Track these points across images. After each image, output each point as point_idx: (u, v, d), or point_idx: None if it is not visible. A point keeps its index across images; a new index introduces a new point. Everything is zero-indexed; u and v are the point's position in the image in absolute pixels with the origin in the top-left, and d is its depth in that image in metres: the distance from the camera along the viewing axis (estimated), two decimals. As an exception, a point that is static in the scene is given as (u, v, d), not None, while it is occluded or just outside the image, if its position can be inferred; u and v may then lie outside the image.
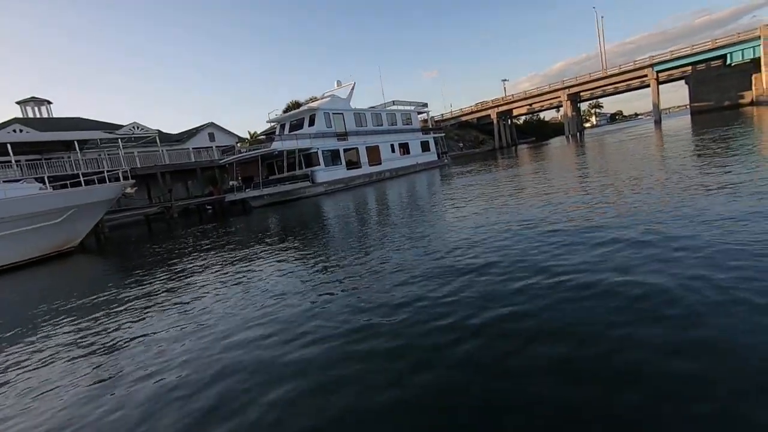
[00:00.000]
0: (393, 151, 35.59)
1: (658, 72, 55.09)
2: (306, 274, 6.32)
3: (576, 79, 61.73)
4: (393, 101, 40.34)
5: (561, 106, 71.17)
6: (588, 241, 5.37)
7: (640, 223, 5.76)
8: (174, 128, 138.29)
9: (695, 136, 20.81)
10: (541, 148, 40.77)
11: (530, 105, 72.70)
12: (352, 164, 31.13)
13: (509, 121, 76.62)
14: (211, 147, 35.48)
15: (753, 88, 52.71)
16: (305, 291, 5.35)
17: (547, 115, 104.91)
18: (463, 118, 74.49)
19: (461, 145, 62.77)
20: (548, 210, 7.97)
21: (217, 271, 7.61)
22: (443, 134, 48.27)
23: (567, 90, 62.71)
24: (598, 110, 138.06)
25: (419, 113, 42.79)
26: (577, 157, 21.78)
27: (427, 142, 41.03)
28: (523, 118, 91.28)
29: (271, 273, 6.70)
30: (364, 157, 32.19)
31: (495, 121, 70.00)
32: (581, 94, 69.35)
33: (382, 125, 35.22)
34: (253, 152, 26.35)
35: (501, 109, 69.95)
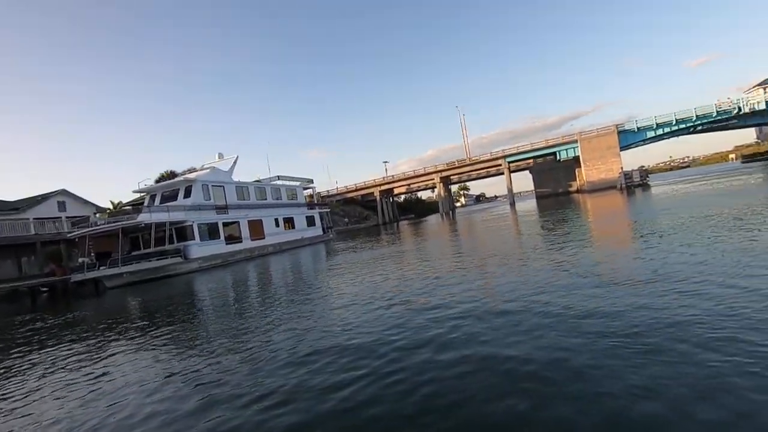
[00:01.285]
0: (277, 225, 34.72)
1: (509, 162, 65.73)
2: (157, 372, 5.29)
3: (446, 165, 70.03)
4: (278, 176, 40.23)
5: (435, 187, 79.12)
6: (463, 320, 5.56)
7: (504, 299, 6.23)
8: (15, 195, 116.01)
9: (541, 217, 24.62)
10: (420, 224, 43.94)
11: (409, 185, 79.44)
12: (233, 239, 29.30)
13: (391, 198, 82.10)
14: (60, 218, 30.29)
15: (577, 179, 66.00)
16: (159, 394, 4.41)
17: (424, 195, 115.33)
18: (349, 195, 77.54)
19: (346, 220, 64.49)
20: (426, 286, 8.25)
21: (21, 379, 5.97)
22: (329, 209, 49.15)
23: (439, 173, 70.46)
24: (465, 192, 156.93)
25: (305, 188, 43.24)
26: (451, 234, 23.81)
27: (313, 216, 41.15)
28: (403, 196, 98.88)
29: (102, 372, 5.47)
30: (245, 232, 30.64)
31: (378, 199, 74.23)
32: (451, 177, 78.50)
33: (266, 199, 34.49)
34: (113, 224, 23.15)
35: (383, 187, 74.88)
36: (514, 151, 64.68)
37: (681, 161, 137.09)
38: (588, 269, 7.41)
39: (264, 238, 32.35)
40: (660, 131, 57.05)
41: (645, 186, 48.76)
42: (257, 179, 39.12)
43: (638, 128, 57.38)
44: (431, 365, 4.10)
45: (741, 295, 4.71)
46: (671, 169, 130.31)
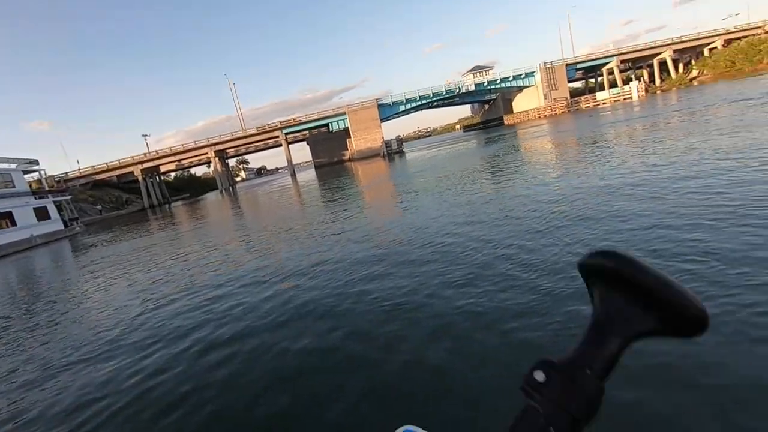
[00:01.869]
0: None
1: (286, 134, 66.14)
2: None
3: (220, 137, 65.07)
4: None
5: (210, 162, 72.90)
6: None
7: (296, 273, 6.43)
8: None
9: (321, 185, 26.05)
10: (196, 204, 40.02)
11: (179, 161, 70.54)
12: None
13: (158, 178, 71.31)
14: None
15: (348, 149, 72.24)
16: None
17: (199, 171, 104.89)
18: (99, 177, 63.30)
19: (99, 207, 52.77)
20: (207, 275, 7.70)
21: None
22: (70, 196, 39.26)
23: (213, 147, 64.99)
24: (245, 165, 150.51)
25: (27, 172, 33.06)
26: (234, 211, 22.63)
27: (45, 207, 32.10)
28: (173, 174, 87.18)
29: None
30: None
31: (140, 179, 63.36)
32: (227, 151, 73.63)
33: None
34: None
35: (146, 165, 64.14)
36: (291, 123, 65.37)
37: (425, 131, 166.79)
38: (364, 233, 8.31)
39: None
40: (409, 105, 67.73)
41: (401, 153, 57.41)
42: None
43: (393, 102, 66.52)
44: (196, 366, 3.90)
45: (472, 238, 6.19)
46: (419, 138, 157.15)
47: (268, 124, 65.67)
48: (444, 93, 68.13)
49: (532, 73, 68.54)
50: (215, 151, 65.90)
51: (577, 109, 64.03)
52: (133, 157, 64.24)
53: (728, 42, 67.41)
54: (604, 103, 62.65)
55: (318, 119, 66.06)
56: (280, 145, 68.42)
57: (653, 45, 69.95)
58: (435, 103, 73.16)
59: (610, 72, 71.20)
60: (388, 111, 66.54)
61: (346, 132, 67.30)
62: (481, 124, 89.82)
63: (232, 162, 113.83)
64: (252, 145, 73.25)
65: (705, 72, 64.92)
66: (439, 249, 5.76)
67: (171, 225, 21.25)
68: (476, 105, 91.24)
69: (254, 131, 65.57)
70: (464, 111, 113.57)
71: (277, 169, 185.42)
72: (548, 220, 6.04)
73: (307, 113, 66.88)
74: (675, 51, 69.57)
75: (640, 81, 66.06)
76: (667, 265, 3.65)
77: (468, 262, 4.96)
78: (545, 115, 64.43)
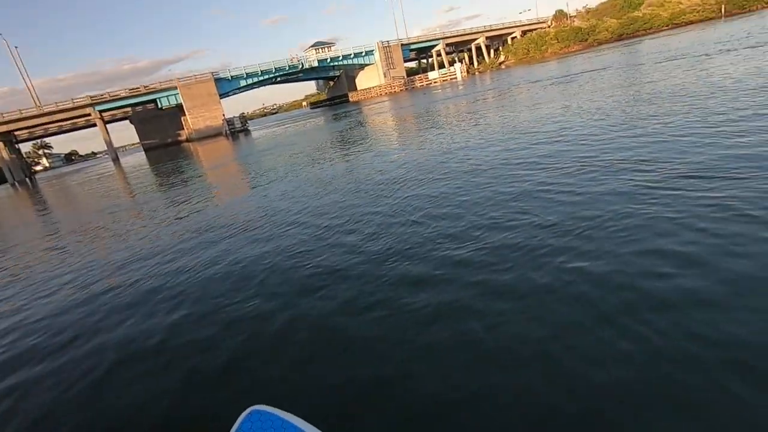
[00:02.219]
0: None
1: (101, 111, 55.55)
2: None
3: (3, 116, 51.11)
4: None
5: (-9, 148, 56.87)
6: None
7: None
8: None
9: (154, 170, 22.96)
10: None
11: (-62, 148, 53.09)
12: None
13: None
14: None
15: (185, 128, 64.60)
16: None
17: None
18: None
19: None
20: None
21: None
22: None
23: (-6, 129, 50.77)
24: (47, 151, 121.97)
25: None
26: (32, 209, 18.39)
27: None
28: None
29: None
30: None
31: None
32: (17, 134, 58.43)
33: None
34: None
35: None
36: (108, 98, 55.14)
37: (272, 108, 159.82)
38: (210, 220, 7.74)
39: None
40: (250, 80, 63.64)
41: (246, 131, 54.11)
42: None
43: (232, 77, 61.60)
44: None
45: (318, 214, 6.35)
46: (265, 115, 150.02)
47: (74, 100, 54.13)
48: (287, 68, 65.99)
49: (372, 51, 71.28)
50: (-3, 134, 51.64)
51: (413, 87, 69.44)
52: None
53: (524, 33, 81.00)
54: (435, 82, 69.27)
55: (143, 94, 57.17)
56: (95, 125, 57.38)
57: (471, 31, 79.69)
58: (279, 79, 70.37)
59: (439, 54, 78.82)
60: (227, 86, 61.46)
61: (179, 109, 59.92)
62: (327, 100, 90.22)
63: (26, 147, 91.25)
64: (54, 125, 59.78)
65: (509, 57, 77.09)
66: (291, 230, 5.78)
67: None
68: (321, 82, 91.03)
69: (54, 108, 53.31)
70: (310, 87, 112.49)
71: (95, 153, 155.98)
72: (393, 189, 6.59)
73: (128, 87, 57.26)
74: (487, 38, 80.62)
75: (462, 63, 74.91)
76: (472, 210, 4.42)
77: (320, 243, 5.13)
78: (386, 93, 68.18)
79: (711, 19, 60.68)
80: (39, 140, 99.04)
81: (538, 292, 2.87)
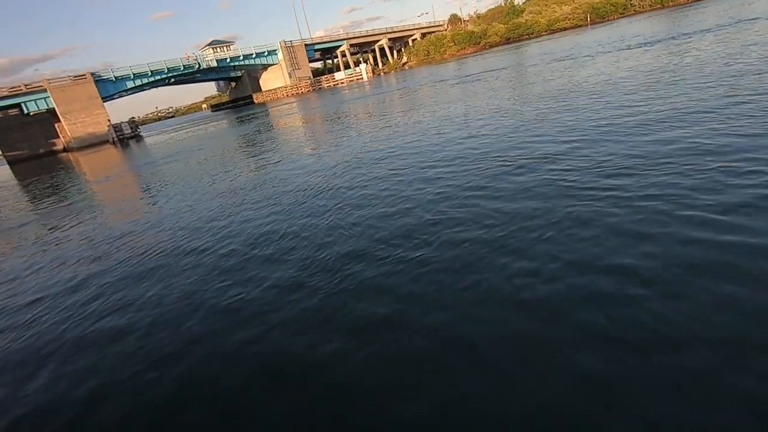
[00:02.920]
0: None
1: (-56, 119, 46.16)
2: None
3: None
4: None
5: None
6: None
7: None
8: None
9: (24, 186, 19.67)
10: None
11: None
12: None
13: None
14: None
15: (60, 136, 56.38)
16: None
17: None
18: None
19: None
20: None
21: None
22: None
23: None
24: None
25: None
26: None
27: None
28: None
29: None
30: None
31: None
32: None
33: None
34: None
35: None
36: (-50, 103, 46.02)
37: (167, 111, 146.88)
38: (96, 247, 6.82)
39: None
40: (138, 81, 57.71)
41: (138, 137, 48.99)
42: None
43: (116, 77, 55.33)
44: None
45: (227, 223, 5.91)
46: (159, 119, 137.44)
47: None
48: (182, 68, 61.16)
49: (275, 51, 69.10)
50: None
51: (320, 87, 68.79)
52: None
53: (423, 35, 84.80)
54: (342, 83, 69.37)
55: (3, 98, 48.69)
56: (-64, 136, 47.55)
57: (374, 33, 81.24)
58: (173, 80, 64.90)
59: (344, 54, 79.11)
60: (111, 88, 55.04)
61: (52, 114, 52.19)
62: (230, 102, 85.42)
63: None
64: None
65: (411, 59, 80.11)
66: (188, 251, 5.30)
67: None
68: (222, 83, 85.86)
69: None
70: (210, 89, 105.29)
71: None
72: (308, 194, 6.39)
73: (-20, 89, 48.39)
74: (390, 39, 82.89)
75: (367, 64, 76.08)
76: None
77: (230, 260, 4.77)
78: (293, 94, 66.62)
79: (579, 26, 69.38)
80: None
81: (473, 297, 2.96)
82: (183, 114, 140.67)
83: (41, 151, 56.62)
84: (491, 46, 72.50)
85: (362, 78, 69.25)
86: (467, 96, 14.51)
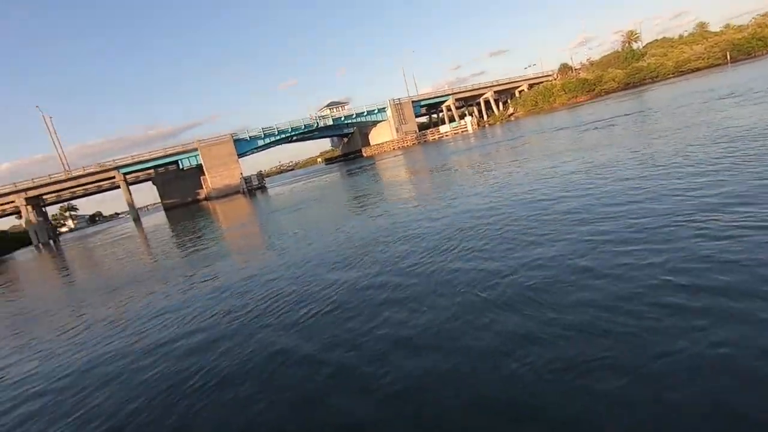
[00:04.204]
0: None
1: (125, 174, 57.76)
2: None
3: (33, 182, 53.46)
4: None
5: (20, 212, 59.13)
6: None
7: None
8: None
9: (172, 231, 23.04)
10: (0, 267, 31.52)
11: (-30, 214, 55.42)
12: None
13: (-64, 237, 54.64)
14: None
15: (204, 187, 66.46)
16: None
17: (6, 223, 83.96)
18: None
19: None
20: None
21: None
22: None
23: (24, 194, 52.93)
24: (73, 213, 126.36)
25: None
26: (55, 274, 18.34)
27: None
28: (-38, 231, 67.95)
29: None
30: None
31: None
32: (45, 197, 60.89)
33: None
34: None
35: None
36: (130, 161, 57.55)
37: (288, 165, 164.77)
38: (227, 296, 7.31)
39: None
40: (267, 140, 66.15)
41: (263, 189, 55.18)
42: None
43: (250, 137, 64.14)
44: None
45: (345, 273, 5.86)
46: (281, 172, 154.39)
47: (100, 164, 56.58)
48: (303, 127, 68.64)
49: (384, 108, 74.00)
50: (26, 198, 53.78)
51: (425, 140, 71.07)
52: None
53: (531, 86, 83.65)
54: (447, 135, 70.86)
55: (164, 156, 59.63)
56: (119, 187, 59.47)
57: (479, 86, 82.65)
58: (294, 138, 73.11)
59: (449, 108, 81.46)
60: (245, 146, 63.83)
61: (199, 169, 62.00)
62: (342, 156, 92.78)
63: (53, 210, 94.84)
64: (80, 188, 62.11)
65: (518, 109, 79.08)
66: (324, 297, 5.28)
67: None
68: (335, 138, 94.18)
69: (81, 172, 55.70)
70: (325, 144, 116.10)
71: (117, 214, 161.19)
72: (419, 257, 6.11)
73: (152, 150, 59.87)
74: (495, 92, 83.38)
75: (472, 116, 77.04)
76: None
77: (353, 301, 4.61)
78: (399, 147, 69.79)
79: (718, 65, 61.84)
80: (66, 203, 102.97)
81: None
82: (301, 167, 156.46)
83: (189, 199, 67.06)
84: (607, 93, 68.27)
85: (467, 130, 70.00)
86: (587, 145, 13.34)
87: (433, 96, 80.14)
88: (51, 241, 55.67)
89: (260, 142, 65.60)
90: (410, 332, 3.70)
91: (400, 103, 73.94)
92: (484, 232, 6.31)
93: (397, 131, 72.97)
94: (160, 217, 48.26)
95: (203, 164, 59.63)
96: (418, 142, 70.31)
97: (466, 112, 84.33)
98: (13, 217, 74.49)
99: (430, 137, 72.62)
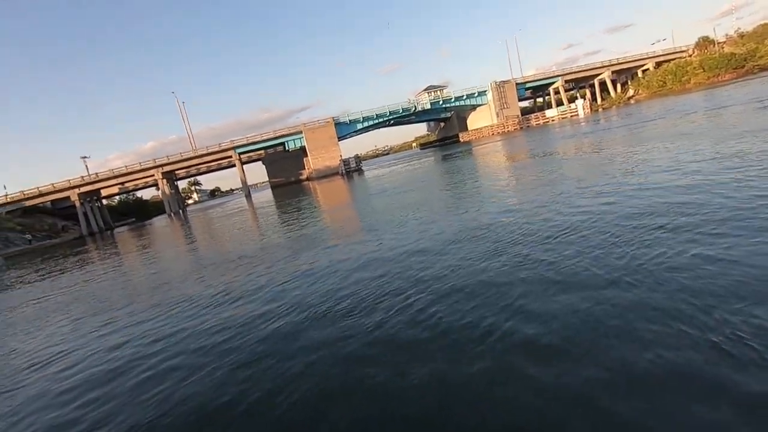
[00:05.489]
0: None
1: (240, 153, 63.77)
2: None
3: (168, 158, 61.69)
4: None
5: (157, 184, 68.91)
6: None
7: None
8: None
9: (278, 207, 24.70)
10: (142, 230, 37.08)
11: (122, 184, 65.97)
12: None
13: (99, 202, 66.28)
14: None
15: (306, 168, 70.69)
16: None
17: (147, 194, 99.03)
18: (29, 203, 57.83)
19: (28, 237, 47.77)
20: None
21: None
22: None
23: (161, 168, 61.44)
24: (197, 187, 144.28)
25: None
26: (180, 238, 20.81)
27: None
28: (117, 198, 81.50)
29: None
30: None
31: (78, 204, 58.52)
32: (177, 172, 69.97)
33: None
34: None
35: (85, 189, 59.39)
36: (244, 142, 63.24)
37: (383, 149, 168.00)
38: (331, 267, 7.36)
39: None
40: (366, 123, 67.65)
41: (360, 171, 56.77)
42: None
43: (350, 121, 66.17)
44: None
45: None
46: (377, 156, 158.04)
47: (220, 144, 63.13)
48: (401, 111, 68.79)
49: (485, 92, 70.78)
50: (163, 173, 62.33)
51: (528, 126, 66.58)
52: (69, 180, 59.33)
53: (658, 64, 73.08)
54: (553, 120, 65.62)
55: (273, 138, 64.37)
56: (234, 165, 65.91)
57: (593, 66, 74.55)
58: (392, 122, 73.69)
59: (557, 91, 75.02)
60: (345, 129, 66.04)
61: (303, 151, 65.92)
62: (437, 141, 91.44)
63: (183, 184, 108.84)
64: (203, 165, 70.08)
65: (640, 91, 69.83)
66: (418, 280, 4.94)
67: (109, 255, 19.10)
68: (432, 123, 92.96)
69: (205, 151, 62.77)
70: (420, 129, 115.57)
71: (232, 190, 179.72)
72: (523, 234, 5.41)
73: (263, 132, 65.11)
74: (613, 72, 74.51)
75: (584, 99, 69.95)
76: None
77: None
78: (499, 132, 66.43)
79: None
80: (192, 178, 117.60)
81: None
82: (396, 152, 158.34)
83: (292, 179, 72.04)
84: (761, 69, 56.89)
85: (577, 115, 63.98)
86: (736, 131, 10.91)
87: (540, 78, 74.30)
88: (180, 211, 64.20)
89: (359, 126, 67.34)
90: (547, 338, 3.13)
91: (503, 86, 69.97)
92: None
93: (498, 115, 69.42)
94: (267, 194, 52.48)
95: (306, 146, 63.17)
96: (521, 127, 66.18)
97: (577, 95, 76.91)
98: (153, 188, 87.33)
99: (534, 122, 67.88)
